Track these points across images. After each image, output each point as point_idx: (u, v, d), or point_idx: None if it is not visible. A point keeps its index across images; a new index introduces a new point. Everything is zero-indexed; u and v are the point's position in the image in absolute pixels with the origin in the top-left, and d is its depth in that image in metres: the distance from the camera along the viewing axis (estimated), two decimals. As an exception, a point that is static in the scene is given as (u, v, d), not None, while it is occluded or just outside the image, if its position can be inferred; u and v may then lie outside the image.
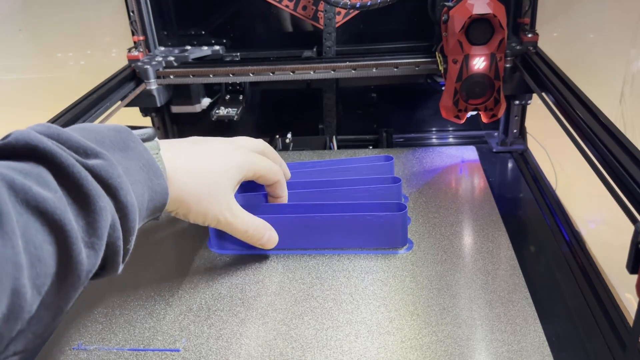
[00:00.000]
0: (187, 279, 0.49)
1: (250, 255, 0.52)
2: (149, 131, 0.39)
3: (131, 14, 0.80)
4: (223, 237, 0.50)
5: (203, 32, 0.85)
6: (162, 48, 0.86)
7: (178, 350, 0.41)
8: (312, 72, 0.75)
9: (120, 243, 0.32)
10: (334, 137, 0.83)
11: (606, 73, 1.06)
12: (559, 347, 0.42)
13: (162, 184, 0.37)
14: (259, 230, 0.47)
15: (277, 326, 0.42)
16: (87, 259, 0.29)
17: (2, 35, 1.23)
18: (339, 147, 0.82)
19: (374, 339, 0.40)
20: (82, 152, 0.31)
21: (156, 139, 0.40)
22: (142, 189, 0.35)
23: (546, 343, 0.39)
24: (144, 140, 0.38)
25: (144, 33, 0.82)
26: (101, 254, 0.30)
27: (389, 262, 0.49)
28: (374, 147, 0.87)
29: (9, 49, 1.26)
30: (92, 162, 0.31)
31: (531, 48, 0.72)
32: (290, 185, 0.53)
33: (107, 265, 0.33)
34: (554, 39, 1.03)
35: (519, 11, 0.75)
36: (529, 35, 0.72)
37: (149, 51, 0.84)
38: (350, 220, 0.49)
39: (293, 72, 0.75)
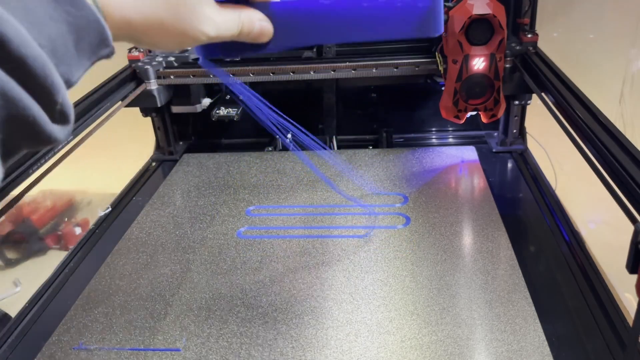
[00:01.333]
0: (187, 279, 0.49)
1: (250, 254, 0.52)
2: None
3: (131, 14, 0.80)
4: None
5: (203, 32, 0.85)
6: (162, 48, 0.86)
7: (178, 350, 0.41)
8: (312, 72, 0.75)
9: (30, 112, 0.25)
10: (334, 137, 0.83)
11: (606, 73, 1.06)
12: (559, 347, 0.42)
13: (89, 16, 0.28)
14: (248, 25, 0.38)
15: (277, 326, 0.43)
16: None
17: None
18: (339, 147, 0.82)
19: (374, 339, 0.40)
20: None
21: None
22: (59, 28, 0.27)
23: (546, 343, 0.39)
24: None
25: (144, 33, 0.82)
26: None
27: (389, 262, 0.49)
28: (374, 147, 0.87)
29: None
30: None
31: (531, 48, 0.72)
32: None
33: (33, 137, 0.26)
34: (554, 39, 1.03)
35: (518, 11, 0.75)
36: (529, 36, 0.72)
37: (149, 51, 0.84)
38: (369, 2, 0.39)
39: (293, 72, 0.75)
